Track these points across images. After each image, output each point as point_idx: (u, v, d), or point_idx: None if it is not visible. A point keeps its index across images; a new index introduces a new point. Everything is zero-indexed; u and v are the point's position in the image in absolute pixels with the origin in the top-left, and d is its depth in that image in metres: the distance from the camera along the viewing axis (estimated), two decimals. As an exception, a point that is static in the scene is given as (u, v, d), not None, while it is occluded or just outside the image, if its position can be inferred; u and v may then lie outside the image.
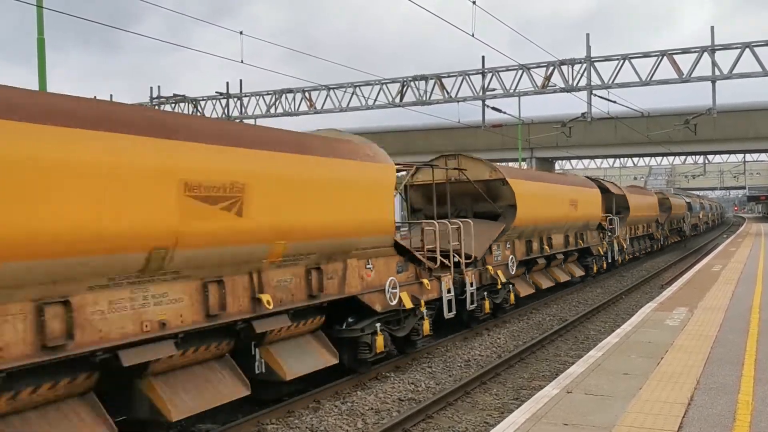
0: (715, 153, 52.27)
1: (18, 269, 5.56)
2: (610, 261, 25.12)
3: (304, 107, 31.61)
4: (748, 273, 18.37)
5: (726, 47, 24.83)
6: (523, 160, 41.49)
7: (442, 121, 36.53)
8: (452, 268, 12.90)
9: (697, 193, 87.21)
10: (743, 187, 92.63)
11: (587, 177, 26.46)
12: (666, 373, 7.54)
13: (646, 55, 26.07)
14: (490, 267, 14.99)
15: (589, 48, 26.46)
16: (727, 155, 61.34)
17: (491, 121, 31.34)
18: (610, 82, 26.21)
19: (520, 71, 27.54)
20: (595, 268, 23.60)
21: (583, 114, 28.06)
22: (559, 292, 20.74)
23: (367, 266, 10.30)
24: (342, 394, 10.11)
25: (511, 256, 16.26)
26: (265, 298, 8.12)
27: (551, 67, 27.17)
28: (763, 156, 64.76)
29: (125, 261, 6.40)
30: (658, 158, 61.95)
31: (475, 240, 14.18)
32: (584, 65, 26.51)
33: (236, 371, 8.04)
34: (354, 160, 9.85)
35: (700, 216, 55.02)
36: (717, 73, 24.84)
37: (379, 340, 10.40)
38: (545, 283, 18.72)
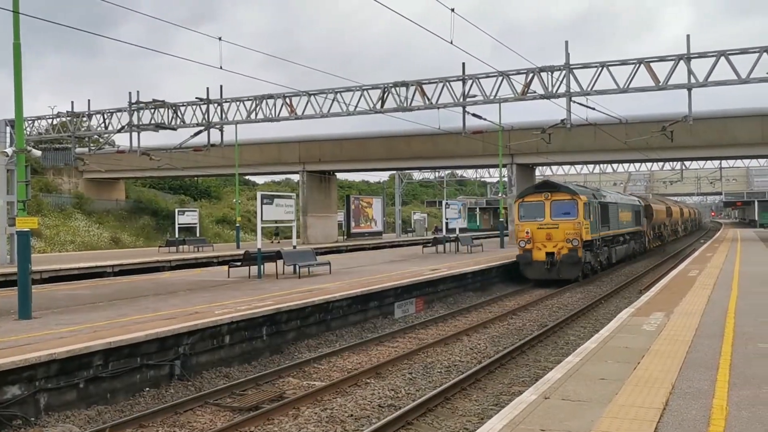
0: (691, 159, 52.82)
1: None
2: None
3: (284, 113, 31.50)
4: (724, 278, 18.60)
5: (701, 55, 25.12)
6: (504, 166, 41.67)
7: (424, 127, 36.57)
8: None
9: (675, 199, 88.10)
10: (720, 193, 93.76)
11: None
12: (642, 378, 7.61)
13: (623, 62, 26.30)
14: (649, 232, 43.48)
15: (567, 55, 26.63)
16: (704, 162, 61.95)
17: (472, 127, 31.44)
18: (589, 89, 26.40)
19: (500, 78, 27.69)
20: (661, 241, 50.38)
21: (562, 120, 28.22)
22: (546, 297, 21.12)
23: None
24: (322, 401, 10.10)
25: (650, 231, 43.24)
26: None
27: (531, 74, 27.34)
28: (738, 162, 65.56)
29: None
30: (637, 164, 62.52)
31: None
32: (563, 72, 26.71)
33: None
34: (644, 202, 43.01)
35: (686, 219, 74.43)
36: (693, 80, 25.14)
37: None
38: (654, 245, 46.25)
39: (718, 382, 7.36)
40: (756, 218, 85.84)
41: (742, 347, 9.15)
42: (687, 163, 62.33)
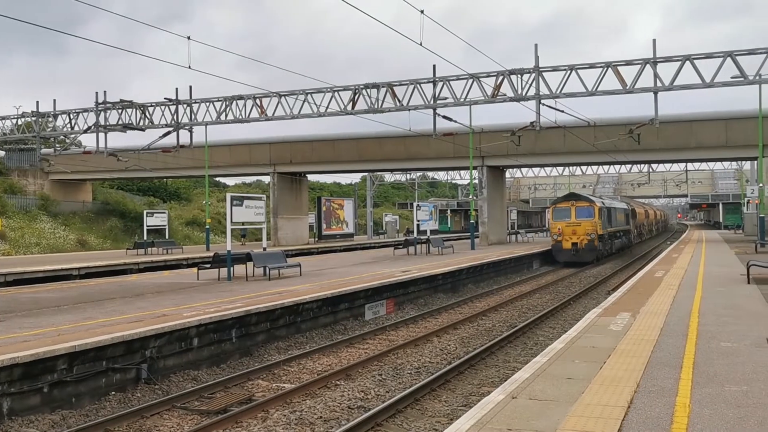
0: (658, 162, 53.64)
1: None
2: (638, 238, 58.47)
3: (255, 114, 31.35)
4: (689, 278, 18.91)
5: (667, 59, 25.57)
6: (474, 168, 41.92)
7: (395, 129, 36.65)
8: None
9: (643, 201, 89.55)
10: (686, 195, 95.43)
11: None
12: (608, 377, 7.70)
13: (591, 66, 26.66)
14: (634, 230, 53.42)
15: (537, 58, 26.92)
16: (670, 164, 63.05)
17: (442, 129, 31.59)
18: (558, 91, 26.71)
19: (470, 80, 27.87)
20: (641, 238, 60.69)
21: (532, 123, 28.52)
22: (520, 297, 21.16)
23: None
24: (291, 403, 10.05)
25: (634, 229, 52.88)
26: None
27: (501, 77, 27.57)
28: (704, 165, 66.84)
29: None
30: (606, 166, 63.41)
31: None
32: (533, 75, 26.98)
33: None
34: (630, 206, 54.03)
35: (658, 220, 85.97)
36: (659, 84, 25.56)
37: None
38: (636, 240, 55.44)
39: (682, 380, 7.47)
40: (721, 220, 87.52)
41: (705, 346, 9.31)
42: (654, 165, 63.38)
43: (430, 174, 79.63)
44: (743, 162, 60.32)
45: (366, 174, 65.80)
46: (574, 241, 36.13)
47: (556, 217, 37.47)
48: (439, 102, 28.37)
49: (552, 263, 36.62)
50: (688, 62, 25.07)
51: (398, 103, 28.87)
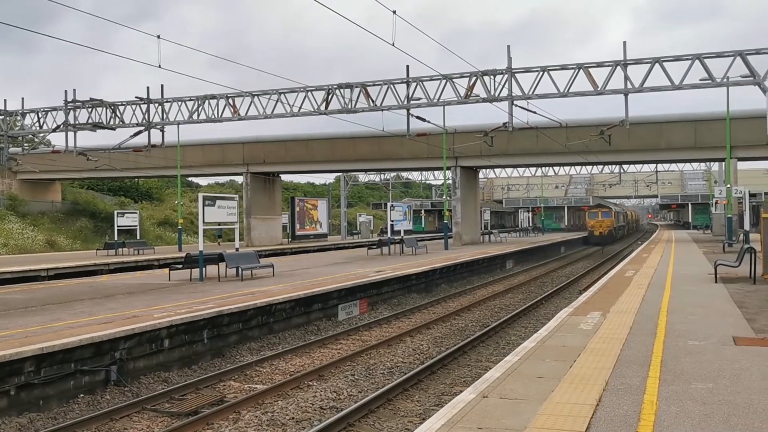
0: (629, 163, 54.34)
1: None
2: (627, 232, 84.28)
3: (227, 114, 31.13)
4: (658, 278, 19.18)
5: (637, 62, 25.91)
6: (448, 168, 42.07)
7: (369, 129, 36.64)
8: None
9: (615, 201, 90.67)
10: (656, 196, 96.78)
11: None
12: (577, 375, 7.78)
13: (563, 67, 26.91)
14: (626, 225, 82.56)
15: (510, 59, 27.11)
16: (641, 165, 63.88)
17: (416, 130, 31.68)
18: (531, 93, 26.92)
19: (444, 81, 27.98)
20: (628, 232, 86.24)
21: (504, 124, 28.71)
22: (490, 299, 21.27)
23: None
24: (263, 404, 10.01)
25: (626, 225, 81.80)
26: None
27: (474, 78, 27.72)
28: (673, 166, 67.82)
29: None
30: (578, 167, 64.05)
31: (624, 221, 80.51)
32: (505, 76, 27.17)
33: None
34: (624, 211, 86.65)
35: (634, 220, 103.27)
36: (629, 86, 25.89)
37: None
38: (627, 233, 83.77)
39: (650, 378, 7.57)
40: (690, 220, 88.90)
41: (673, 344, 9.45)
42: (625, 166, 64.14)
43: (404, 174, 79.76)
44: (712, 163, 61.34)
45: (340, 174, 65.69)
46: (601, 231, 62.79)
47: (590, 217, 65.58)
48: (412, 102, 28.44)
49: (587, 243, 62.04)
50: (657, 64, 25.44)
51: (372, 104, 28.89)
